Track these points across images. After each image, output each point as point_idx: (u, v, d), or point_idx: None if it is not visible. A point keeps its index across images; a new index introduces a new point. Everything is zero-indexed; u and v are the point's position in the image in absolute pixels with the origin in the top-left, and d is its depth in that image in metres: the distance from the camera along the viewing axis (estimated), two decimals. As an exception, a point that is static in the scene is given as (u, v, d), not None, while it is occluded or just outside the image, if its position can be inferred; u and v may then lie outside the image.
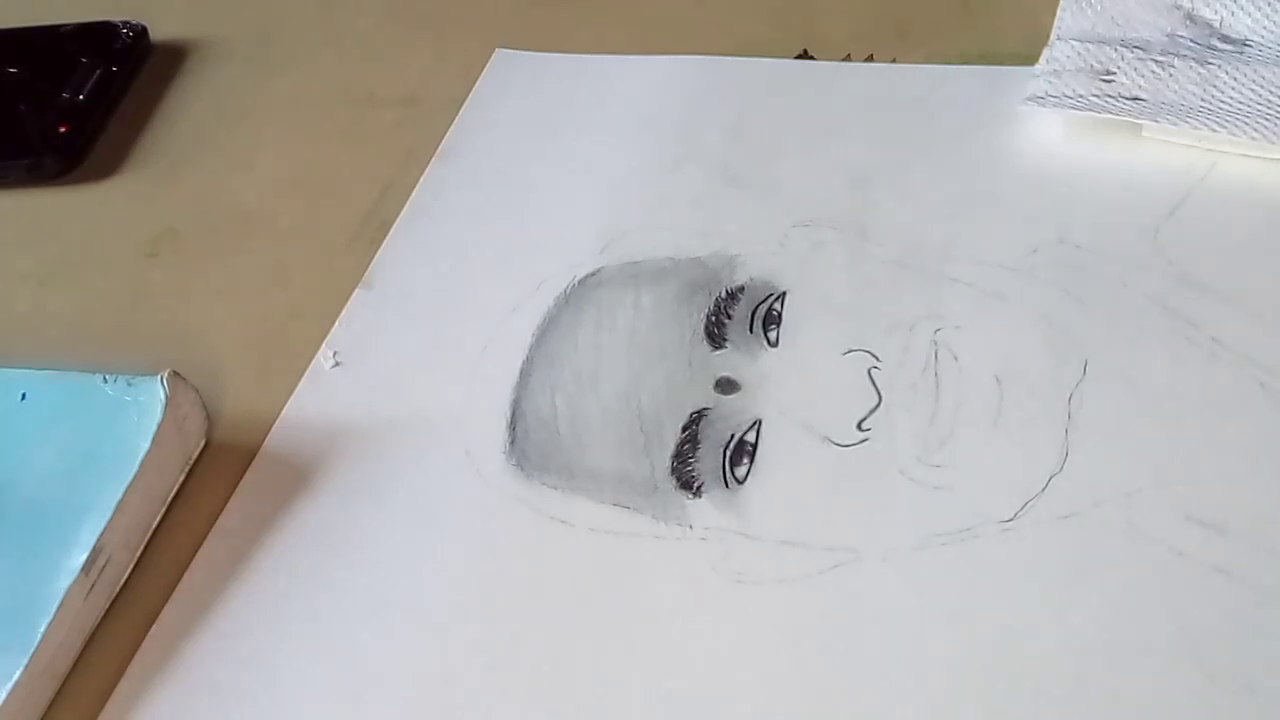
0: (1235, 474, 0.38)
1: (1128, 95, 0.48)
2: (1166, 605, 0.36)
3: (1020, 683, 0.35)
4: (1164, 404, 0.40)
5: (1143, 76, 0.48)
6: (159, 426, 0.42)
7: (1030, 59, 0.50)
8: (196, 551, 0.42)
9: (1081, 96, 0.48)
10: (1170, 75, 0.48)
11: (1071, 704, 0.35)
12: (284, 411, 0.46)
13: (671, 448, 0.42)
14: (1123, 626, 0.36)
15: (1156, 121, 0.46)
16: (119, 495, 0.41)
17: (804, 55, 0.55)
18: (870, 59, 0.54)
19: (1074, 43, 0.50)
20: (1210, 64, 0.48)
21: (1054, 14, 0.52)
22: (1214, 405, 0.40)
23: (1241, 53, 0.49)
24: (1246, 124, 0.45)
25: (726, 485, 0.41)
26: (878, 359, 0.43)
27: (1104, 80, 0.48)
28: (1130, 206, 0.46)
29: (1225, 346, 0.41)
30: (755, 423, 0.42)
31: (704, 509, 0.40)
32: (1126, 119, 0.47)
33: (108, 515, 0.40)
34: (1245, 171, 0.46)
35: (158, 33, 0.62)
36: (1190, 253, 0.44)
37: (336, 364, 0.47)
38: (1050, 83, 0.49)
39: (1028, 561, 0.38)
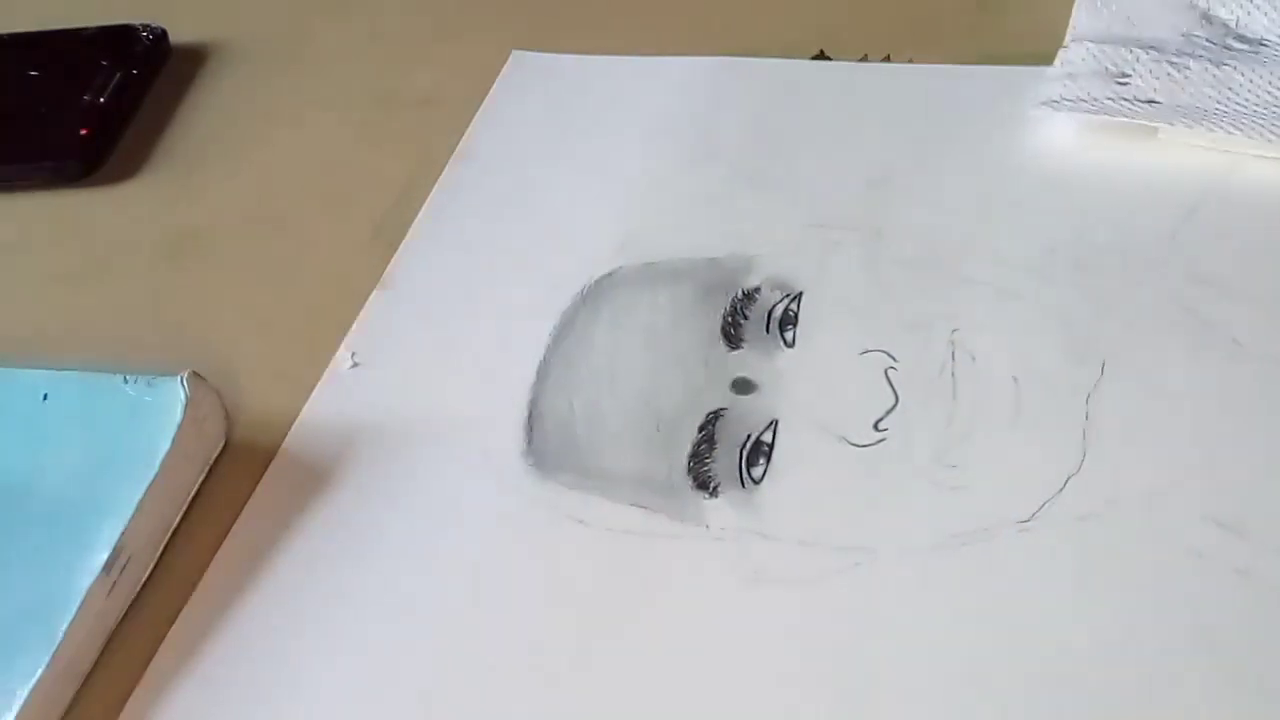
0: (1254, 475, 0.38)
1: (1143, 98, 0.48)
2: (1185, 606, 0.36)
3: (1037, 683, 0.35)
4: (1182, 405, 0.40)
5: (1157, 79, 0.48)
6: (179, 427, 0.42)
7: (1047, 58, 0.50)
8: (216, 551, 0.42)
9: (1096, 99, 0.48)
10: (1185, 78, 0.48)
11: (1089, 705, 0.35)
12: (303, 412, 0.46)
13: (688, 448, 0.42)
14: (1141, 627, 0.36)
15: (1172, 124, 0.46)
16: (139, 495, 0.41)
17: (821, 56, 0.55)
18: (887, 59, 0.54)
19: (1089, 44, 0.50)
20: (1226, 65, 0.48)
21: (1069, 14, 0.52)
22: (1232, 406, 0.40)
23: (1257, 52, 0.49)
24: (1263, 126, 0.45)
25: (743, 485, 0.41)
26: (895, 359, 0.43)
27: (1119, 83, 0.48)
28: (1148, 208, 0.46)
29: (1243, 347, 0.41)
30: (772, 423, 0.42)
31: (720, 509, 0.40)
32: (1141, 122, 0.47)
33: (128, 515, 0.40)
34: (1263, 173, 0.46)
35: (177, 35, 0.62)
36: (1208, 254, 0.44)
37: (355, 365, 0.47)
38: (1065, 86, 0.49)
39: (1045, 562, 0.38)
